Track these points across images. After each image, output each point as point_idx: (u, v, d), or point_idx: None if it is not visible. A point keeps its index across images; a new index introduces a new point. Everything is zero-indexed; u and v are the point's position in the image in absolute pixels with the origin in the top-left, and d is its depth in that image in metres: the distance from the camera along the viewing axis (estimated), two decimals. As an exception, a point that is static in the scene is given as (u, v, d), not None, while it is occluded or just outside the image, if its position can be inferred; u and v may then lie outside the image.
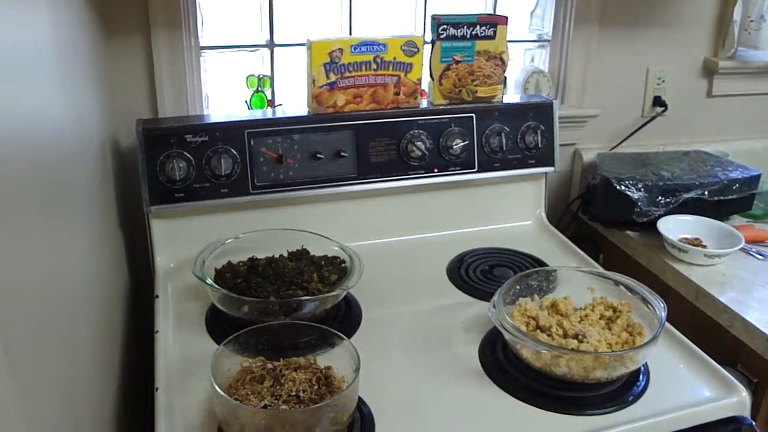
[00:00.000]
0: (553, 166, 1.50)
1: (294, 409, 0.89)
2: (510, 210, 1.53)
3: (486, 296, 1.22)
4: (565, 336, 1.03)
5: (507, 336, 1.02)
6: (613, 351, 1.00)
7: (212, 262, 1.18)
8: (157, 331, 1.12)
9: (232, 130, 1.28)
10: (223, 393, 0.86)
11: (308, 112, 1.36)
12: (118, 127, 1.35)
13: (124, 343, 1.16)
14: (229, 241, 1.23)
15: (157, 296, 1.22)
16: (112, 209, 1.24)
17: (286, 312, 1.09)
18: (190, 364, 1.06)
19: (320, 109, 1.35)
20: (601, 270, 1.29)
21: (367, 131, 1.36)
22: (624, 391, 1.01)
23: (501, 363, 1.06)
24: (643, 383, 1.02)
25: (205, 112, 1.44)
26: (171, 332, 1.13)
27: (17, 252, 0.62)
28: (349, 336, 1.13)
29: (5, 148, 0.63)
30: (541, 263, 1.36)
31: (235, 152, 1.28)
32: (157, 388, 0.99)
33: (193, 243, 1.24)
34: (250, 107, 1.48)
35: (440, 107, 1.43)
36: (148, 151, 1.24)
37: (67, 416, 0.75)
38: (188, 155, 1.25)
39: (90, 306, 0.97)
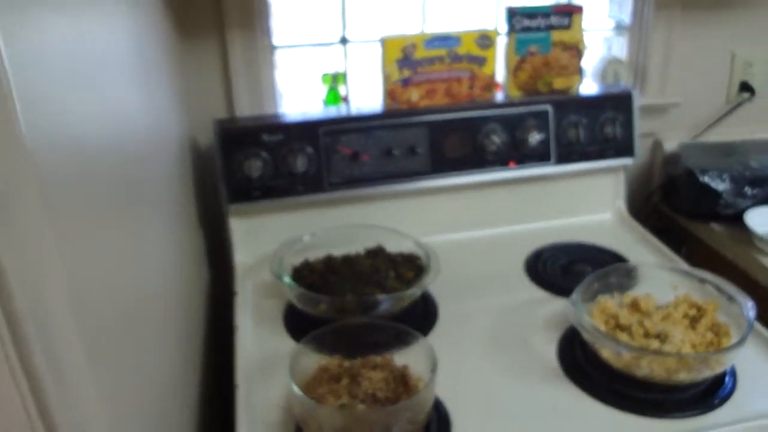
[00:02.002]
0: (632, 156, 1.46)
1: (371, 409, 0.90)
2: (588, 203, 1.49)
3: (565, 292, 1.20)
4: (647, 336, 1.00)
5: (585, 335, 1.00)
6: (697, 353, 0.97)
7: (289, 259, 1.20)
8: (237, 328, 1.15)
9: (307, 128, 1.30)
10: (300, 392, 0.88)
11: (382, 108, 1.36)
12: (196, 127, 1.39)
13: (205, 340, 1.20)
14: (305, 238, 1.25)
15: (236, 293, 1.25)
16: (192, 208, 1.28)
17: (363, 310, 1.10)
18: (268, 361, 1.08)
19: (394, 105, 1.35)
20: (684, 267, 1.25)
21: (441, 126, 1.35)
22: (709, 394, 0.97)
23: (580, 362, 1.04)
24: (729, 386, 0.99)
25: (280, 111, 1.46)
26: (250, 329, 1.15)
27: (103, 249, 0.65)
28: (426, 334, 1.13)
29: (91, 147, 0.65)
30: (621, 259, 1.33)
31: (310, 150, 1.29)
32: (237, 386, 1.02)
33: (270, 241, 1.27)
34: (325, 104, 1.49)
35: (515, 100, 1.41)
36: (226, 151, 1.27)
37: (151, 415, 0.78)
38: (265, 154, 1.27)
39: (173, 303, 1.00)
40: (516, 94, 1.43)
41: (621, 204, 1.51)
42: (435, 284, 1.18)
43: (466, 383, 1.02)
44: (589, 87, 1.51)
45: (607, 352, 0.98)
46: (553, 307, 1.19)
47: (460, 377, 1.03)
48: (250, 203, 1.29)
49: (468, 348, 1.10)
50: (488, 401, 0.99)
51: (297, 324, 1.15)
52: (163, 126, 1.11)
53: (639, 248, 1.38)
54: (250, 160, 1.26)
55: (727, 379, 1.00)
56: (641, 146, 1.53)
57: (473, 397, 1.00)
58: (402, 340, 1.01)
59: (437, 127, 1.35)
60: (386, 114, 1.35)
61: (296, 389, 0.88)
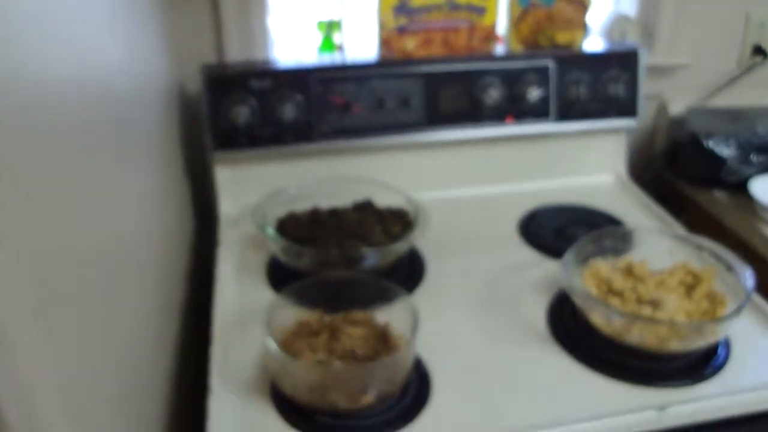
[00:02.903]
0: (635, 117, 1.40)
1: (347, 366, 0.87)
2: (587, 164, 1.44)
3: (558, 255, 1.16)
4: (639, 302, 0.96)
5: (576, 299, 0.96)
6: (691, 322, 0.93)
7: (274, 211, 1.16)
8: (217, 279, 1.11)
9: (298, 75, 1.24)
10: (275, 346, 0.84)
11: (377, 57, 1.31)
12: (185, 73, 1.33)
13: (187, 292, 1.16)
14: (291, 190, 1.20)
15: (219, 243, 1.21)
16: (178, 154, 1.24)
17: (348, 264, 1.06)
18: (248, 314, 1.04)
19: (389, 54, 1.30)
20: (682, 233, 1.21)
21: (437, 78, 1.30)
22: (701, 364, 0.94)
23: (569, 327, 1.01)
24: (722, 357, 0.95)
25: (271, 57, 1.41)
26: (231, 281, 1.12)
27: (69, 193, 0.61)
28: (411, 291, 1.09)
29: (58, 90, 0.61)
30: (618, 223, 1.28)
31: (300, 98, 1.24)
32: (212, 339, 0.99)
33: (256, 191, 1.22)
34: (319, 52, 1.44)
35: (516, 53, 1.35)
36: (213, 96, 1.22)
37: (126, 363, 0.75)
38: (252, 100, 1.22)
39: (154, 250, 0.97)
40: (517, 47, 1.37)
41: (621, 167, 1.46)
42: (424, 242, 1.14)
43: (450, 344, 0.99)
44: (593, 43, 1.45)
45: (597, 318, 0.95)
46: (545, 270, 1.15)
47: (444, 337, 1.00)
48: (236, 151, 1.24)
49: (454, 308, 1.07)
50: (472, 363, 0.96)
51: (280, 277, 1.11)
52: (148, 70, 1.06)
53: (638, 213, 1.33)
54: (237, 107, 1.21)
55: (720, 349, 0.96)
56: (646, 109, 1.48)
57: (456, 358, 0.96)
58: (385, 297, 0.97)
59: (433, 78, 1.29)
60: (380, 63, 1.29)
61: (271, 343, 0.85)
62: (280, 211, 1.17)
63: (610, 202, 1.36)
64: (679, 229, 1.25)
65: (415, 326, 0.88)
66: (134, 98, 0.94)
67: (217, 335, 1.00)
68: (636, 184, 1.43)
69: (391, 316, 0.96)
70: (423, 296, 1.08)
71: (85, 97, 0.70)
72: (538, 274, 1.14)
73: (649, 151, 1.67)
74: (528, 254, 1.21)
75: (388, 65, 1.28)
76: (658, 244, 1.09)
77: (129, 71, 0.92)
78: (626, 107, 1.39)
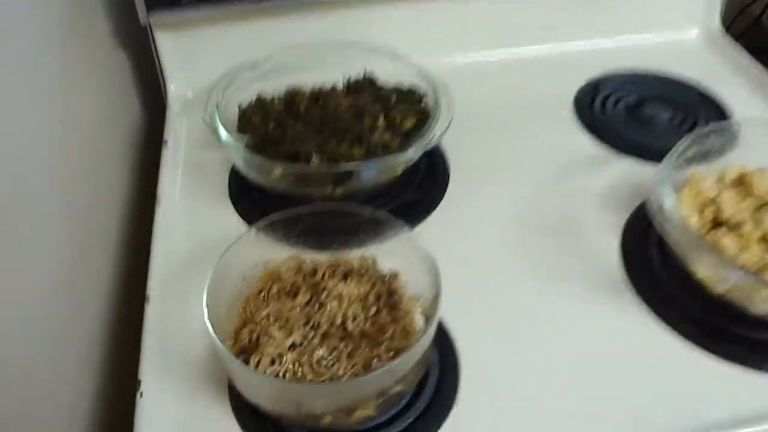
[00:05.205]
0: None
1: (327, 384, 0.57)
2: (668, 14, 1.06)
3: (631, 148, 0.85)
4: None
5: (672, 241, 0.65)
6: None
7: (235, 96, 0.82)
8: (159, 201, 0.80)
9: None
10: (219, 343, 0.55)
11: None
12: None
13: (128, 205, 0.86)
14: (258, 64, 0.86)
15: (166, 141, 0.89)
16: (105, 21, 0.89)
17: (336, 180, 0.74)
18: (200, 254, 0.75)
19: None
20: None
21: None
22: None
23: (656, 271, 0.70)
24: None
25: None
26: (177, 198, 0.81)
27: None
28: (429, 211, 0.78)
29: None
30: (713, 99, 0.94)
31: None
32: (148, 296, 0.70)
33: (216, 65, 0.87)
34: None
35: None
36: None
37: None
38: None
39: (75, 150, 0.67)
40: None
41: (714, 17, 1.08)
42: (446, 136, 0.81)
43: (482, 296, 0.70)
44: None
45: (703, 269, 0.64)
46: (614, 170, 0.83)
47: (475, 286, 0.70)
48: (180, 12, 0.87)
49: (487, 237, 0.76)
50: (513, 325, 0.67)
51: (245, 195, 0.81)
52: None
53: (738, 84, 0.98)
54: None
55: None
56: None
57: (493, 319, 0.67)
58: (389, 233, 0.66)
59: None
60: None
61: (212, 334, 0.55)
62: (243, 96, 0.83)
63: (700, 68, 0.99)
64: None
65: (437, 290, 0.58)
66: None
67: (155, 290, 0.71)
68: (733, 42, 1.06)
69: (399, 260, 0.66)
70: (444, 220, 0.77)
71: None
72: (605, 178, 0.82)
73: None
74: (588, 146, 0.87)
75: None
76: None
77: None
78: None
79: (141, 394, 0.62)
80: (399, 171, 0.76)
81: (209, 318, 0.56)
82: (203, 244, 0.75)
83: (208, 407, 0.61)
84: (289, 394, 0.54)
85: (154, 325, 0.67)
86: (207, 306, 0.57)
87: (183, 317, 0.67)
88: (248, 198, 0.80)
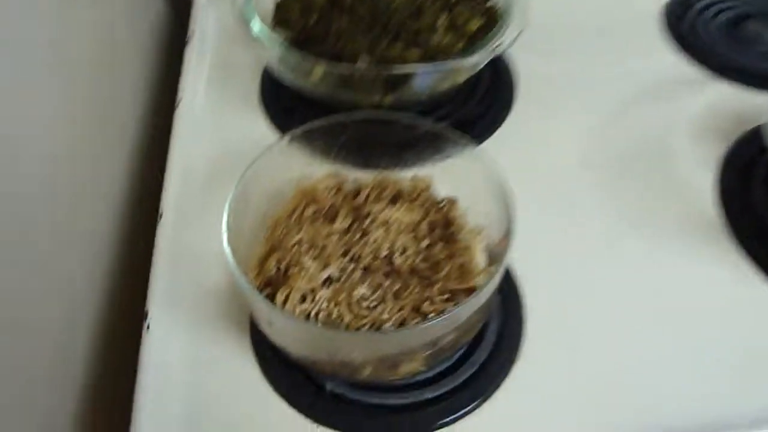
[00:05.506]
0: None
1: (372, 325, 0.47)
2: None
3: (731, 70, 0.72)
4: None
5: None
6: None
7: (271, -15, 0.71)
8: (180, 99, 0.70)
9: None
10: (239, 273, 0.45)
11: None
12: None
13: (151, 114, 0.75)
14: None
15: (190, 36, 0.77)
16: None
17: (387, 86, 0.63)
18: (221, 163, 0.64)
19: None
20: None
21: None
22: None
23: (761, 215, 0.59)
24: None
25: None
26: (200, 101, 0.70)
27: None
28: (491, 131, 0.67)
29: None
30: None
31: None
32: (161, 212, 0.60)
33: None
34: None
35: None
36: None
37: None
38: None
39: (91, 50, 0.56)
40: None
41: None
42: (516, 44, 0.69)
43: (555, 233, 0.59)
44: None
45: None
46: (710, 97, 0.70)
47: (544, 221, 0.59)
48: None
49: (559, 166, 0.64)
50: (588, 269, 0.56)
51: (279, 100, 0.70)
52: None
53: None
54: None
55: None
56: None
57: (563, 261, 0.57)
58: (449, 151, 0.55)
59: None
60: None
61: (231, 259, 0.45)
62: (281, -15, 0.72)
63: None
64: None
65: (508, 223, 0.48)
66: None
67: (169, 208, 0.61)
68: None
69: (460, 183, 0.55)
70: (506, 143, 0.66)
71: None
72: (698, 102, 0.70)
73: None
74: (679, 65, 0.74)
75: None
76: None
77: None
78: None
79: (148, 326, 0.52)
80: (461, 79, 0.64)
81: (229, 242, 0.46)
82: (228, 155, 0.65)
83: (224, 347, 0.52)
84: (322, 339, 0.44)
85: (166, 246, 0.58)
86: (227, 227, 0.47)
87: (200, 239, 0.57)
88: (282, 104, 0.69)
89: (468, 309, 0.44)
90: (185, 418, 0.48)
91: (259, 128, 0.67)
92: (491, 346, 0.51)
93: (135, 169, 0.70)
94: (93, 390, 0.57)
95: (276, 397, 0.49)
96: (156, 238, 0.58)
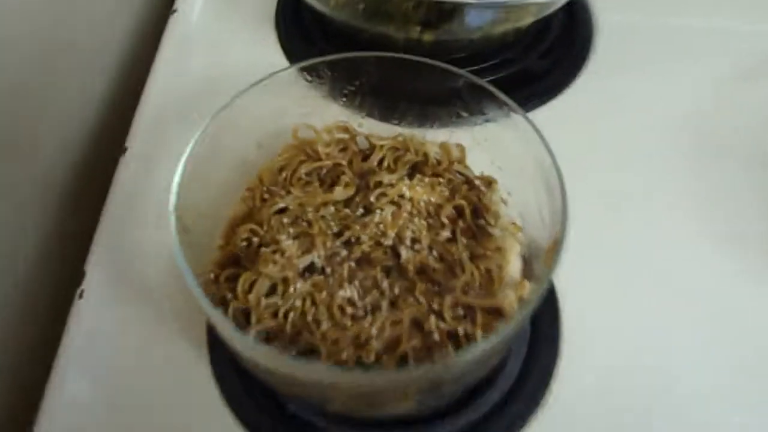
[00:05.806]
0: None
1: (355, 339, 0.34)
2: None
3: None
4: None
5: None
6: None
7: None
8: (176, 6, 0.57)
9: None
10: (182, 260, 0.32)
11: None
12: None
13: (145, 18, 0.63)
14: None
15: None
16: None
17: (429, 19, 0.49)
18: (213, 87, 0.51)
19: None
20: None
21: None
22: None
23: None
24: None
25: None
26: (201, 11, 0.57)
27: None
28: (554, 93, 0.53)
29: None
30: None
31: None
32: (127, 145, 0.48)
33: None
34: None
35: None
36: None
37: None
38: None
39: None
40: None
41: None
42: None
43: (615, 236, 0.45)
44: None
45: None
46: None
47: (604, 221, 0.46)
48: None
49: (633, 145, 0.50)
50: (649, 285, 0.43)
51: (297, 24, 0.57)
52: None
53: None
54: None
55: None
56: None
57: (624, 285, 0.43)
58: (491, 115, 0.41)
59: None
60: None
61: (174, 231, 0.33)
62: None
63: None
64: None
65: (561, 224, 0.34)
66: None
67: (137, 139, 0.48)
68: None
69: (500, 160, 0.42)
70: (573, 111, 0.52)
71: None
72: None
73: None
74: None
75: None
76: None
77: None
78: None
79: (81, 293, 0.41)
80: (525, 22, 0.50)
81: (176, 205, 0.34)
82: (223, 78, 0.52)
83: (172, 329, 0.40)
84: (281, 363, 0.32)
85: (123, 188, 0.46)
86: (180, 177, 0.35)
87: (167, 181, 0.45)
88: (301, 30, 0.56)
89: (486, 346, 0.31)
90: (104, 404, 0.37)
91: (267, 54, 0.54)
92: (511, 383, 0.39)
93: (113, 92, 0.58)
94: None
95: (227, 410, 0.37)
96: (114, 175, 0.46)
